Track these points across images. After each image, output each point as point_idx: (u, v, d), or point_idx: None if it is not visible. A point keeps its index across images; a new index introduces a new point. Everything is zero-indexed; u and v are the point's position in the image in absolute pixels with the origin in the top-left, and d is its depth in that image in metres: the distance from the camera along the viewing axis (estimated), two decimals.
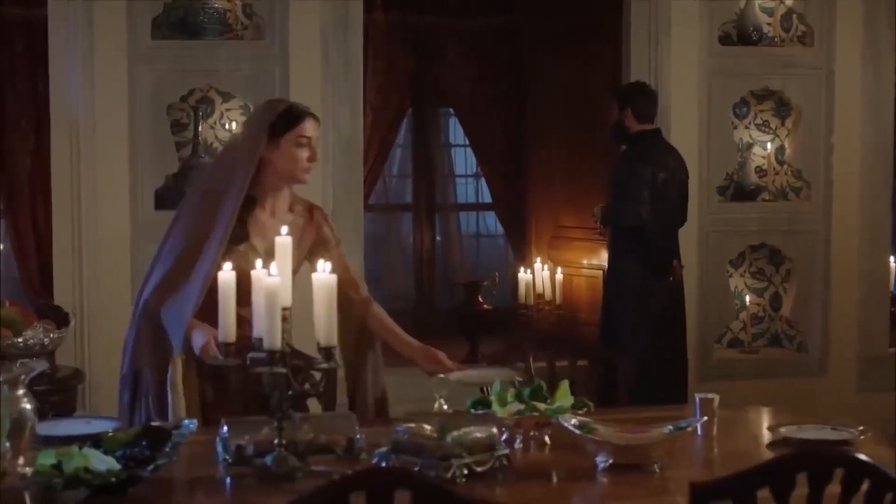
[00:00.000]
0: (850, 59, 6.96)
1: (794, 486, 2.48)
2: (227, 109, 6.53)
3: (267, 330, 2.98)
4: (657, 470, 3.09)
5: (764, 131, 7.13)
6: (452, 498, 2.31)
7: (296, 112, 3.83)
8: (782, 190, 7.12)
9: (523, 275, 7.15)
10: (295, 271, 3.57)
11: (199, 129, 6.43)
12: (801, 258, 7.05)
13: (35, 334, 5.30)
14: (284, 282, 3.04)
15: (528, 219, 8.01)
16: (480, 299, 7.49)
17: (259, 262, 3.13)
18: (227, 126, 6.53)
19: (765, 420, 3.78)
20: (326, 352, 3.05)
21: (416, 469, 2.97)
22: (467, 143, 8.47)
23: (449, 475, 2.93)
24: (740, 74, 6.90)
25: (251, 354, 3.12)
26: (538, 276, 7.03)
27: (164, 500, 2.92)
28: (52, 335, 5.39)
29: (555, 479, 3.14)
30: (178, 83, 6.31)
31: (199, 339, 3.62)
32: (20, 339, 5.24)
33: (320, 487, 2.32)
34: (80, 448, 2.83)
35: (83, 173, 6.17)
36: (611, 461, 3.11)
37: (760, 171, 7.09)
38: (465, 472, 2.97)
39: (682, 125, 6.71)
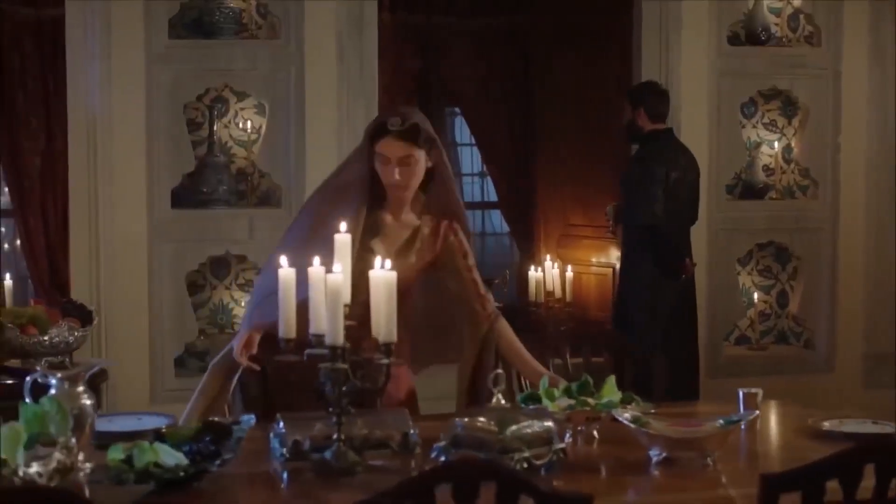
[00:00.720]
0: (856, 59, 7.05)
1: (862, 477, 2.54)
2: (242, 108, 6.56)
3: (330, 326, 3.01)
4: (710, 463, 3.15)
5: (771, 130, 7.21)
6: (538, 490, 2.35)
7: (380, 127, 3.74)
8: (789, 188, 7.20)
9: (533, 273, 7.20)
10: (409, 279, 3.65)
11: (214, 128, 6.46)
12: (808, 256, 7.13)
13: (60, 332, 5.37)
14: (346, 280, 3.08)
15: (535, 217, 8.06)
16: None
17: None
18: (240, 125, 6.56)
19: (798, 415, 3.82)
20: (386, 348, 3.09)
21: None
22: (473, 142, 8.51)
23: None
24: (749, 74, 6.97)
25: (308, 351, 3.16)
26: (549, 273, 7.08)
27: (228, 494, 2.95)
28: (76, 333, 5.47)
29: (610, 473, 3.19)
30: (194, 82, 6.34)
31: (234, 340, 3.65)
32: (46, 338, 5.32)
33: (407, 480, 2.36)
34: (151, 443, 2.86)
35: (100, 172, 6.20)
36: (664, 454, 3.16)
37: (767, 169, 7.17)
38: (525, 465, 3.01)
39: (691, 125, 6.77)
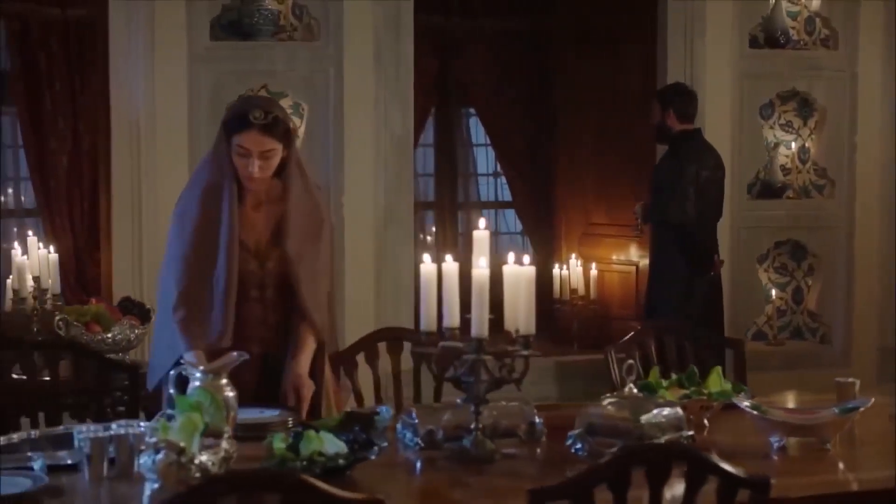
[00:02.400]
0: (872, 62, 7.25)
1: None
2: None
3: (476, 319, 3.12)
4: (829, 448, 3.29)
5: (787, 131, 7.39)
6: (725, 472, 2.48)
7: (238, 117, 3.64)
8: (805, 188, 7.39)
9: (557, 270, 7.33)
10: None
11: None
12: (825, 254, 7.32)
13: (122, 330, 5.44)
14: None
15: (557, 216, 8.20)
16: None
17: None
18: None
19: (882, 404, 3.95)
20: (525, 340, 3.20)
21: (615, 449, 3.14)
22: (487, 142, 8.65)
23: None
24: (769, 76, 7.17)
25: (443, 343, 3.27)
26: (573, 271, 7.22)
27: (387, 481, 3.04)
28: (136, 331, 5.53)
29: (737, 458, 3.30)
30: (235, 83, 6.41)
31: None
32: (109, 335, 5.38)
33: (605, 462, 2.48)
34: (318, 431, 2.96)
35: (144, 172, 6.26)
36: (784, 440, 3.30)
37: (784, 169, 7.35)
38: None
39: (714, 126, 6.92)
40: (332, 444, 2.96)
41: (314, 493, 2.29)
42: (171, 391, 3.26)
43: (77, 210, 7.38)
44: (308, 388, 3.68)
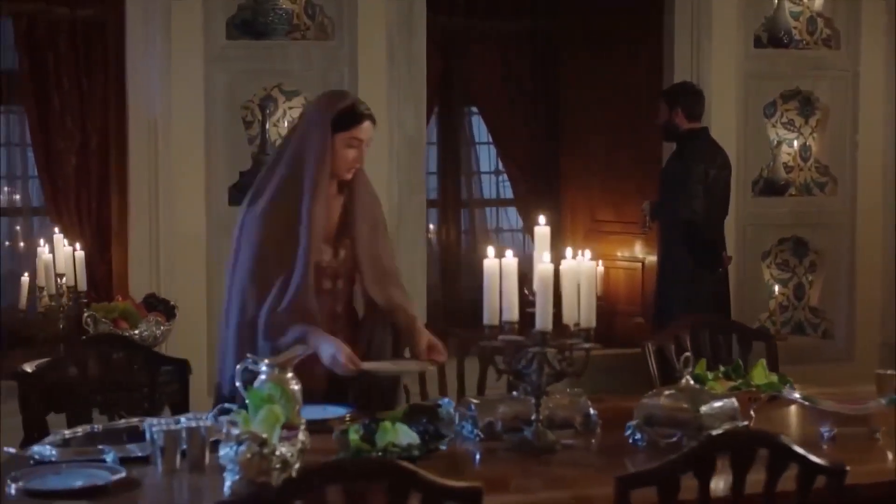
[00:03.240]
0: (874, 61, 7.36)
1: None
2: (290, 108, 6.68)
3: (540, 312, 3.19)
4: (878, 438, 3.38)
5: (789, 129, 7.49)
6: (806, 460, 2.56)
7: (357, 113, 3.84)
8: (807, 185, 7.49)
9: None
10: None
11: (266, 126, 6.58)
12: (828, 250, 7.43)
13: (149, 326, 5.50)
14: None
15: (562, 213, 8.29)
16: (525, 291, 7.73)
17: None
18: (286, 124, 6.69)
19: None
20: (586, 333, 3.28)
21: (675, 439, 3.22)
22: (489, 140, 8.72)
23: None
24: (774, 75, 7.26)
25: (503, 336, 3.34)
26: None
27: (454, 471, 3.09)
28: (162, 327, 5.58)
29: None
30: (251, 82, 6.46)
31: (329, 349, 3.67)
32: (137, 332, 5.43)
33: (692, 449, 2.56)
34: (393, 424, 3.02)
35: (161, 171, 6.29)
36: (834, 431, 3.38)
37: (786, 167, 7.46)
38: None
39: (721, 124, 7.00)
40: (405, 436, 3.02)
41: (417, 481, 2.35)
42: (238, 384, 3.31)
43: (85, 208, 7.38)
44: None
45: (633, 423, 3.33)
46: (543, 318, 3.20)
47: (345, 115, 3.82)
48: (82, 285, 5.46)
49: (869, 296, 7.45)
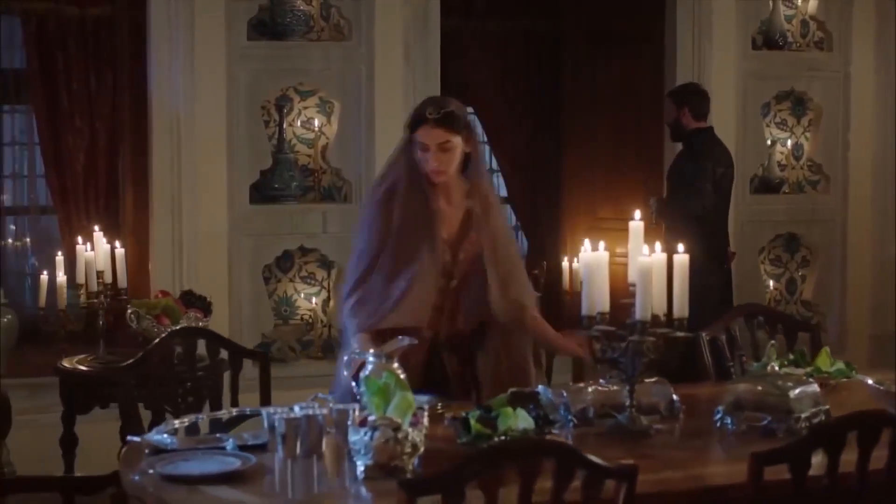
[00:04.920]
0: (865, 63, 7.63)
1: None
2: (305, 108, 6.79)
3: (640, 303, 3.35)
4: None
5: (782, 129, 7.73)
6: None
7: (416, 115, 3.88)
8: (799, 183, 7.74)
9: (566, 263, 7.56)
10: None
11: (284, 125, 6.68)
12: (821, 246, 7.68)
13: (189, 322, 5.57)
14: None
15: (563, 211, 8.47)
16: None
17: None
18: (302, 123, 6.80)
19: None
20: (679, 323, 3.44)
21: (765, 423, 3.40)
22: (485, 139, 8.86)
23: (799, 427, 3.36)
24: (770, 76, 7.50)
25: (597, 327, 3.50)
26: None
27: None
28: (201, 323, 5.68)
29: None
30: (271, 82, 6.57)
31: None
32: (177, 328, 5.52)
33: (823, 427, 2.73)
34: (514, 409, 3.16)
35: (184, 169, 6.38)
36: None
37: (780, 165, 7.69)
38: (806, 424, 3.40)
39: (721, 124, 7.18)
40: (523, 421, 3.17)
41: (582, 460, 2.50)
42: (345, 373, 3.44)
43: (93, 207, 7.43)
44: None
45: (722, 407, 3.49)
46: (643, 309, 3.36)
47: (413, 118, 3.90)
48: (122, 282, 5.52)
49: (859, 290, 7.71)
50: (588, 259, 3.45)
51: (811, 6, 7.62)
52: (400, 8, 6.71)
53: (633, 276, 3.42)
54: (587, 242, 3.47)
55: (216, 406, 4.71)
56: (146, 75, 6.63)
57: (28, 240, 8.05)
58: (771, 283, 7.71)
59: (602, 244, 3.52)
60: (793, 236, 7.71)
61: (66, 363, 5.48)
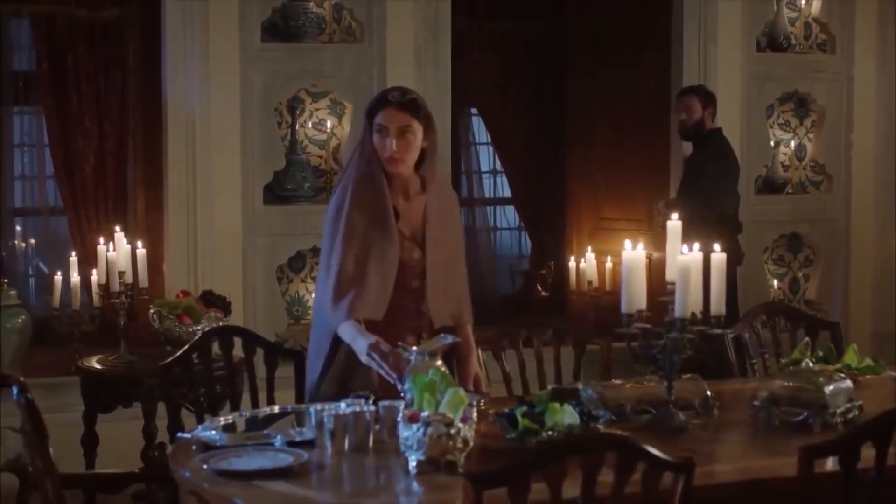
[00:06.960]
0: (867, 65, 7.72)
1: None
2: (317, 109, 6.84)
3: (679, 300, 3.42)
4: None
5: (785, 130, 7.82)
6: None
7: (378, 98, 3.80)
8: (802, 183, 7.83)
9: (573, 263, 7.64)
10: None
11: (296, 127, 6.73)
12: (824, 246, 7.77)
13: (210, 322, 5.62)
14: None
15: (568, 211, 8.54)
16: (539, 287, 8.02)
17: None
18: (312, 125, 6.84)
19: None
20: (717, 320, 3.51)
21: (801, 417, 3.47)
22: (488, 141, 8.95)
23: (835, 422, 3.43)
24: (774, 78, 7.58)
25: (637, 324, 3.56)
26: (589, 264, 7.52)
27: None
28: (221, 322, 5.71)
29: None
30: (284, 83, 6.61)
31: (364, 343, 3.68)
32: (199, 327, 5.56)
33: (870, 421, 2.79)
34: (562, 405, 3.22)
35: (198, 169, 6.42)
36: None
37: (783, 166, 7.78)
38: (841, 418, 3.47)
39: (726, 125, 7.26)
40: (569, 416, 3.23)
41: (642, 454, 2.56)
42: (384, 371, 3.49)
43: (103, 208, 7.47)
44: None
45: (757, 402, 3.56)
46: (682, 306, 3.42)
47: (374, 101, 3.83)
48: (144, 282, 5.55)
49: (861, 288, 7.81)
50: (627, 258, 3.51)
51: (814, 9, 7.71)
52: (411, 10, 6.77)
53: (671, 274, 3.47)
54: (627, 243, 3.52)
55: (236, 405, 4.73)
56: (156, 77, 6.68)
57: (33, 241, 8.07)
58: (774, 282, 7.79)
59: (640, 245, 3.57)
60: (796, 236, 7.79)
61: (85, 362, 5.50)
